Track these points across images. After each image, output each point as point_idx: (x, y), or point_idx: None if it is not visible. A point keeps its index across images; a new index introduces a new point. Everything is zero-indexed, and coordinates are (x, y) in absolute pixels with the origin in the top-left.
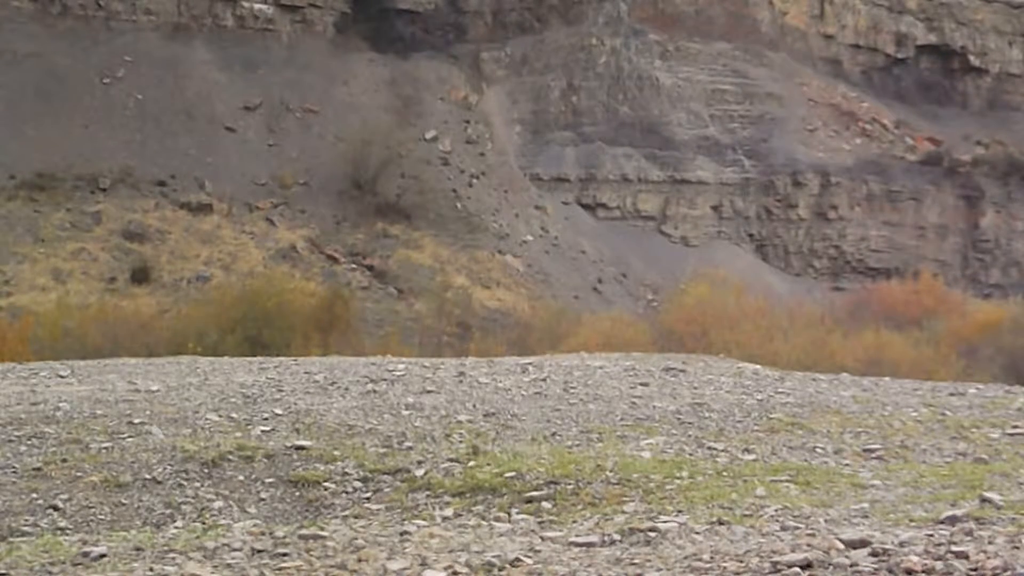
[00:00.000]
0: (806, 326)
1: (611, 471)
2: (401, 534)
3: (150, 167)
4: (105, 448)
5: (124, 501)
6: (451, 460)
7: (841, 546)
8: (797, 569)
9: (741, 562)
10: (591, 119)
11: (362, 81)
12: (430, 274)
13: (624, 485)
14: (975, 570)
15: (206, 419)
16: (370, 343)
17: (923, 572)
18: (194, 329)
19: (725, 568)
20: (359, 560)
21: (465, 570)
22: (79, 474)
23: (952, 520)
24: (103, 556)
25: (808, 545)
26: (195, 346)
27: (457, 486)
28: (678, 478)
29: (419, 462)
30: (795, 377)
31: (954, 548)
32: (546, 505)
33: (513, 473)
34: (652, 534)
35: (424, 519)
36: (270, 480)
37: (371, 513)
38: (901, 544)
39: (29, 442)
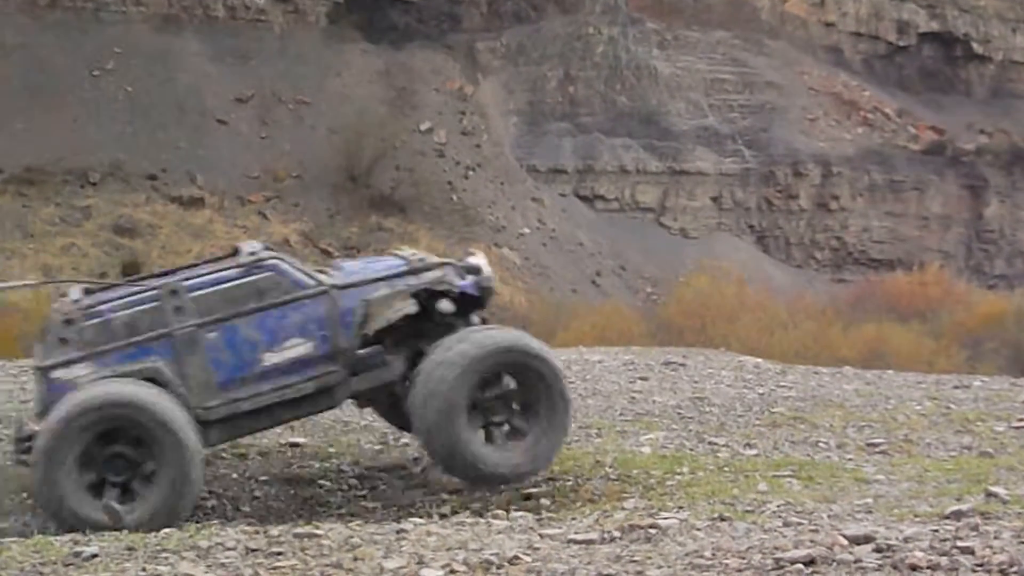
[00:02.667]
0: (808, 318)
1: (610, 467)
2: (398, 532)
3: (140, 160)
4: None
5: None
6: None
7: (845, 542)
8: (800, 565)
9: (743, 559)
10: (588, 109)
11: (355, 72)
12: None
13: (624, 481)
14: (981, 566)
15: None
16: None
17: (928, 568)
18: None
19: (727, 565)
20: (355, 559)
21: (463, 568)
22: None
23: (957, 515)
24: (95, 556)
25: (811, 541)
26: None
27: (454, 483)
28: (679, 474)
29: (415, 459)
30: (797, 370)
31: (959, 543)
32: (545, 502)
33: None
34: (652, 531)
35: (421, 517)
36: (264, 478)
37: (367, 511)
38: (906, 540)
39: None
